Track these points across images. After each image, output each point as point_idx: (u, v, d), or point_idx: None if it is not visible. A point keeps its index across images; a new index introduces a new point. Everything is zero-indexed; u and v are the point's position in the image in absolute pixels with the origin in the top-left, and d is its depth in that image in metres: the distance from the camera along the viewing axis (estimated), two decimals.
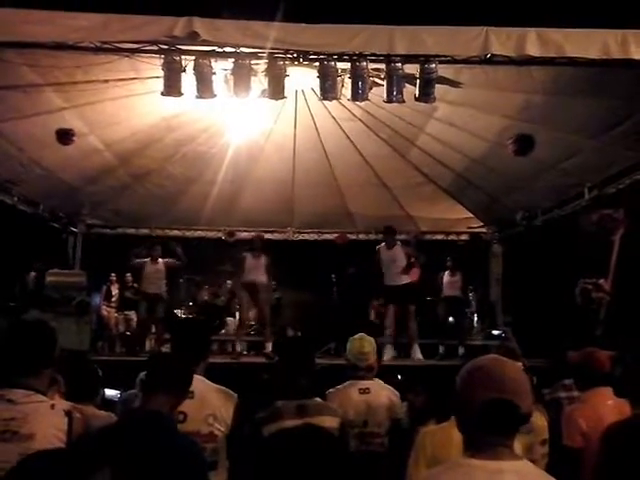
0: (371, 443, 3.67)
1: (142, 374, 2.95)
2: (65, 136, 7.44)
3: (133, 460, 2.08)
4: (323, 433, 1.75)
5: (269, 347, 8.32)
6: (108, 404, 3.94)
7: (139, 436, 2.18)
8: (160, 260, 9.28)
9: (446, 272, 10.20)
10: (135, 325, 10.42)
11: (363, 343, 3.90)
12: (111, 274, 11.60)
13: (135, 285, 10.61)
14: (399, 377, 6.02)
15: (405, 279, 8.59)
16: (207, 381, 3.07)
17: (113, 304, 11.48)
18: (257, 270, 8.49)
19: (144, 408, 2.33)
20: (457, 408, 1.79)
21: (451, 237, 12.80)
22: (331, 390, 3.79)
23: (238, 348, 8.69)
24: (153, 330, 9.55)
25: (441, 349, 9.49)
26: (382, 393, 3.80)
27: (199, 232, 12.60)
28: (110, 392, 4.57)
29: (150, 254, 9.29)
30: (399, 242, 8.81)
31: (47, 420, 2.27)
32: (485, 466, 1.64)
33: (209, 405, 2.93)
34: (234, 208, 11.48)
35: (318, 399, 3.30)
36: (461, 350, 9.26)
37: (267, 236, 12.17)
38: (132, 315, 10.91)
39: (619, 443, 2.40)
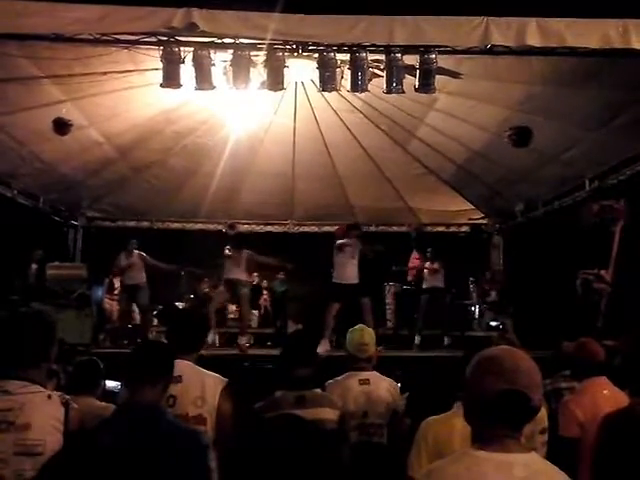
0: (371, 434, 3.67)
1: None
2: (62, 126, 7.41)
3: (136, 454, 2.08)
4: (303, 423, 1.74)
5: (243, 340, 8.15)
6: (110, 395, 3.96)
7: (140, 429, 2.17)
8: (135, 252, 9.28)
9: (427, 263, 10.12)
10: (138, 317, 10.45)
11: (363, 334, 3.90)
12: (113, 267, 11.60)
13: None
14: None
15: (355, 278, 8.23)
16: (197, 367, 3.10)
17: (115, 297, 11.49)
18: (236, 266, 8.29)
19: (136, 400, 2.31)
20: (467, 399, 1.77)
21: (452, 229, 12.79)
22: (330, 381, 3.79)
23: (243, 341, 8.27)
24: (137, 321, 9.57)
25: (417, 339, 9.41)
26: (382, 384, 3.79)
27: (199, 225, 12.59)
28: (111, 384, 4.59)
29: (125, 247, 9.31)
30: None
31: (43, 410, 2.27)
32: (493, 458, 1.62)
33: (197, 388, 2.97)
34: (234, 200, 11.47)
35: (318, 390, 3.31)
36: (447, 340, 9.29)
37: (267, 228, 12.23)
38: (134, 307, 10.93)
39: (617, 431, 2.40)
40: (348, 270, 8.19)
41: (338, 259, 8.26)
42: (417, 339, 9.38)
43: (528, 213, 10.72)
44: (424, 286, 9.94)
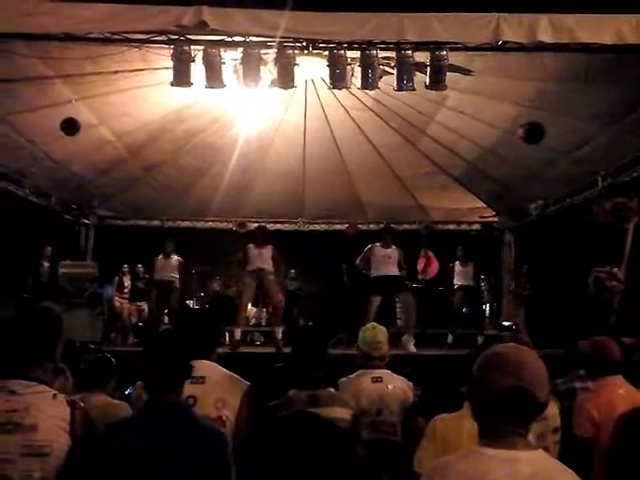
0: (384, 432, 3.66)
1: None
2: (70, 126, 7.40)
3: (159, 454, 2.09)
4: (323, 421, 1.74)
5: (279, 333, 8.18)
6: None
7: (165, 427, 2.19)
8: (173, 257, 9.32)
9: (457, 262, 10.18)
10: (147, 315, 10.49)
11: (377, 332, 3.89)
12: (123, 265, 11.66)
13: (147, 276, 10.67)
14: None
15: (395, 271, 8.40)
16: (219, 367, 3.07)
17: (125, 295, 11.53)
18: (262, 259, 8.33)
19: (160, 400, 2.32)
20: (473, 395, 1.76)
21: (463, 227, 12.71)
22: (343, 379, 3.78)
23: (237, 336, 8.22)
24: (166, 321, 9.60)
25: (450, 338, 9.48)
26: (395, 382, 3.78)
27: (210, 223, 12.61)
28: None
29: (163, 250, 9.34)
30: (394, 246, 8.58)
31: (49, 410, 2.23)
32: (499, 455, 1.61)
33: (218, 390, 2.93)
34: (245, 199, 11.47)
35: (331, 389, 3.29)
36: (480, 339, 9.17)
37: (277, 227, 12.22)
38: (144, 306, 10.98)
39: (633, 430, 2.38)
40: None
41: None
42: (450, 338, 9.46)
43: (540, 211, 10.65)
44: (455, 285, 10.01)
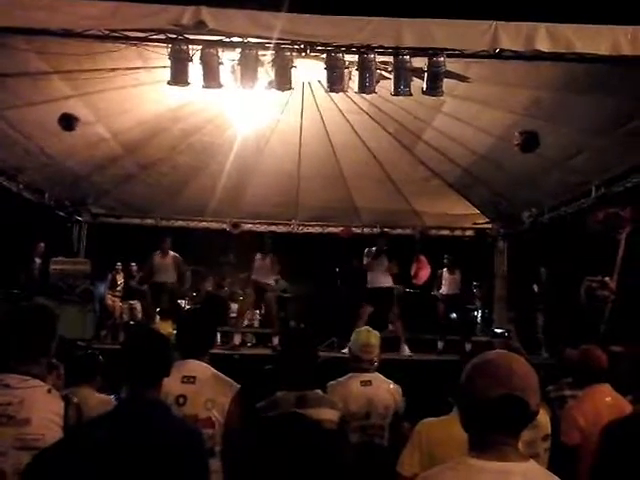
0: (373, 435, 3.66)
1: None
2: (68, 121, 7.38)
3: (134, 451, 2.07)
4: (311, 422, 1.73)
5: (275, 341, 8.56)
6: None
7: (141, 425, 2.16)
8: (170, 253, 9.31)
9: (444, 270, 10.22)
10: (139, 314, 10.46)
11: (370, 336, 3.89)
12: (116, 263, 11.63)
13: (140, 274, 10.64)
14: None
15: (388, 282, 8.83)
16: (211, 368, 3.08)
17: (118, 293, 11.51)
18: (265, 270, 8.83)
19: (139, 396, 2.30)
20: (462, 405, 1.72)
21: (456, 233, 12.75)
22: (332, 382, 3.79)
23: (236, 341, 8.71)
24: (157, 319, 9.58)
25: (440, 345, 9.53)
26: (383, 386, 3.79)
27: (204, 223, 12.60)
28: None
29: (160, 247, 9.33)
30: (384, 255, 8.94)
31: (43, 405, 2.26)
32: (490, 467, 1.58)
33: (209, 391, 2.94)
34: (239, 200, 11.46)
35: (319, 391, 3.30)
36: (468, 346, 9.22)
37: (271, 228, 12.24)
38: (136, 304, 10.96)
39: (620, 439, 2.39)
40: None
41: None
42: (440, 344, 9.57)
43: (533, 219, 10.69)
44: (442, 292, 10.06)
